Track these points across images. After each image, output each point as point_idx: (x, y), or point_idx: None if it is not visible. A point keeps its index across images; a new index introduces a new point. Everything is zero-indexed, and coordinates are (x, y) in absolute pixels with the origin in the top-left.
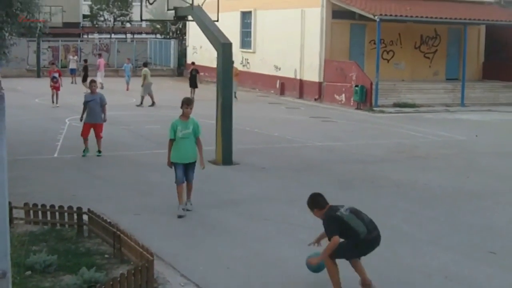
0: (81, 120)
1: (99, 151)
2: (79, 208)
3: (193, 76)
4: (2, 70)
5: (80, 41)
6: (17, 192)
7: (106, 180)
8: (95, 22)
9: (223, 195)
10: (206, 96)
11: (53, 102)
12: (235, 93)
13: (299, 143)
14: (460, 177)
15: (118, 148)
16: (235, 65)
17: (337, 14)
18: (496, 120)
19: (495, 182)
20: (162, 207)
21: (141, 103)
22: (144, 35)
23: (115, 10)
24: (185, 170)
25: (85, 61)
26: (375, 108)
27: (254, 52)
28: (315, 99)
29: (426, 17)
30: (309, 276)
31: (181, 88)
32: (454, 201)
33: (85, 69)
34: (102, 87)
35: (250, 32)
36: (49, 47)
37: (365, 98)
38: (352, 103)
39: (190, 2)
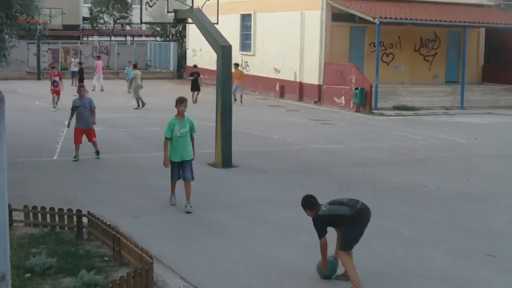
0: (68, 126)
1: (97, 152)
2: (78, 211)
3: (195, 79)
4: (2, 72)
5: (80, 43)
6: (16, 195)
7: (106, 183)
8: (95, 25)
9: (223, 198)
10: (206, 98)
11: (54, 106)
12: (241, 96)
13: (298, 145)
14: (459, 180)
15: (118, 150)
16: (239, 68)
17: (337, 16)
18: (496, 123)
19: (494, 185)
20: (162, 209)
21: (138, 105)
22: (144, 38)
23: (115, 12)
24: (182, 168)
25: (80, 63)
26: (374, 111)
27: (254, 55)
28: (315, 102)
29: (426, 20)
30: (309, 278)
31: (181, 91)
32: (453, 203)
33: (81, 71)
34: (102, 89)
35: (250, 34)
36: (49, 49)
37: (364, 101)
38: (351, 106)
39: (190, 4)
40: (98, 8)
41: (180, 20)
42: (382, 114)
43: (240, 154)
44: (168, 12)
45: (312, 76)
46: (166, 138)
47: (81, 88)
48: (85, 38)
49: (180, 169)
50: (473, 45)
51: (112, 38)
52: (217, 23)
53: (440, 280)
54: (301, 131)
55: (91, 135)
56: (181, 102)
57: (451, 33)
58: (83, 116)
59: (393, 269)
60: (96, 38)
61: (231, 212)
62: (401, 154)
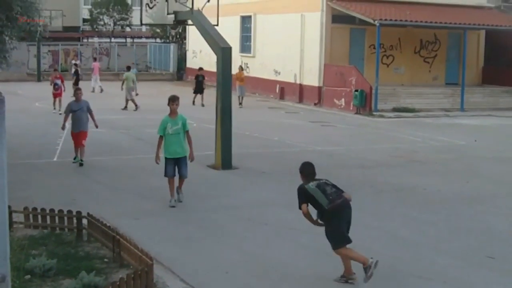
0: (63, 128)
1: (82, 160)
2: (78, 212)
3: (200, 81)
4: (2, 74)
5: (80, 45)
6: (16, 196)
7: (106, 184)
8: (95, 26)
9: (223, 199)
10: (206, 100)
11: (54, 108)
12: (242, 98)
13: (298, 147)
14: (459, 181)
15: (118, 152)
16: (252, 71)
17: (337, 18)
18: (496, 125)
19: (494, 187)
20: (162, 211)
21: (136, 105)
22: (144, 39)
23: (115, 14)
24: (177, 165)
25: (76, 65)
26: (374, 113)
27: (254, 57)
28: (315, 104)
29: (426, 21)
30: (309, 279)
31: (181, 92)
32: (453, 205)
33: (76, 73)
34: (101, 91)
35: (250, 36)
36: (49, 51)
37: (364, 103)
38: (351, 108)
39: (190, 6)
40: (98, 10)
41: (180, 22)
42: (382, 116)
43: (240, 156)
44: (168, 13)
45: (312, 78)
46: (160, 136)
47: (77, 91)
48: (85, 40)
49: (175, 166)
50: (473, 47)
51: (112, 39)
52: (217, 25)
53: (440, 281)
54: (301, 133)
55: (82, 136)
56: (173, 100)
57: (451, 35)
58: (80, 119)
59: (393, 271)
60: (96, 39)
61: (231, 214)
62: (401, 156)
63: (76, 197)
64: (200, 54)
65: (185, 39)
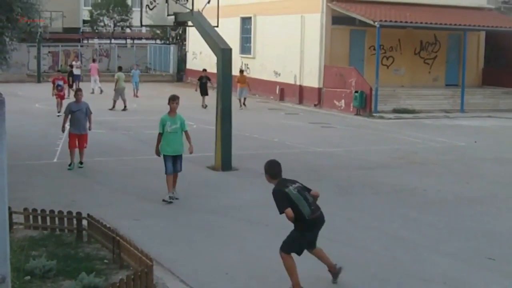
0: (63, 130)
1: (81, 162)
2: (78, 213)
3: (204, 83)
4: (2, 75)
5: (80, 46)
6: (16, 197)
7: (106, 185)
8: (95, 28)
9: (223, 201)
10: (207, 101)
11: (59, 111)
12: (244, 99)
13: (298, 149)
14: (459, 183)
15: (118, 153)
16: (252, 72)
17: (337, 20)
18: (496, 126)
19: (494, 188)
20: (162, 212)
21: (113, 106)
22: (144, 41)
23: (115, 15)
24: (173, 162)
25: (71, 66)
26: (374, 114)
27: (254, 58)
28: (315, 105)
29: (426, 23)
30: (309, 280)
31: (181, 93)
32: (453, 207)
33: (71, 74)
34: (101, 92)
35: (250, 37)
36: (49, 52)
37: (364, 104)
38: (351, 109)
39: (190, 7)
40: (99, 11)
41: (180, 23)
42: (382, 117)
43: (240, 157)
44: (168, 15)
45: (312, 79)
46: (159, 133)
47: (78, 92)
48: (85, 41)
49: (172, 163)
50: (473, 48)
51: (113, 41)
52: (217, 26)
53: (440, 283)
54: (301, 134)
55: (83, 140)
56: (173, 99)
57: (451, 36)
58: (79, 121)
59: (393, 272)
60: (96, 41)
61: (231, 215)
62: (401, 157)
63: (76, 198)
64: (200, 56)
65: (185, 40)
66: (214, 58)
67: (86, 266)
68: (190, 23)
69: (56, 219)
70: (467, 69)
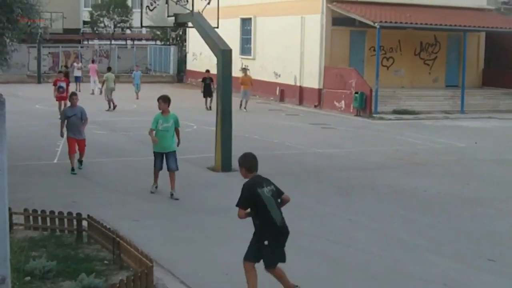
0: (62, 135)
1: (81, 162)
2: (78, 214)
3: (207, 84)
4: (3, 75)
5: (81, 47)
6: (17, 198)
7: (106, 186)
8: (95, 28)
9: (223, 202)
10: (210, 103)
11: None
12: (246, 102)
13: (298, 149)
14: (459, 184)
15: (118, 154)
16: (249, 73)
17: (337, 21)
18: (496, 127)
19: (494, 189)
20: (162, 213)
21: (109, 107)
22: (144, 42)
23: (115, 16)
24: (166, 160)
25: (66, 67)
26: (374, 115)
27: (254, 59)
28: (315, 106)
29: (426, 24)
30: (308, 282)
31: (181, 94)
32: (453, 208)
33: (66, 75)
34: (101, 93)
35: (250, 38)
36: (49, 53)
37: (364, 105)
38: (351, 110)
39: (190, 8)
40: (99, 12)
41: (181, 24)
42: (382, 118)
43: None
44: (168, 16)
45: (312, 80)
46: (151, 129)
47: (73, 96)
48: (85, 42)
49: (162, 160)
50: (473, 49)
51: (113, 42)
52: (217, 27)
53: (441, 284)
54: (301, 135)
55: (82, 145)
56: (163, 100)
57: (451, 37)
58: (75, 126)
59: (393, 274)
60: (96, 42)
61: (231, 216)
62: (401, 158)
63: (76, 199)
64: (200, 57)
65: (185, 41)
66: (214, 59)
67: (86, 267)
68: (190, 24)
69: (56, 220)
70: (467, 70)
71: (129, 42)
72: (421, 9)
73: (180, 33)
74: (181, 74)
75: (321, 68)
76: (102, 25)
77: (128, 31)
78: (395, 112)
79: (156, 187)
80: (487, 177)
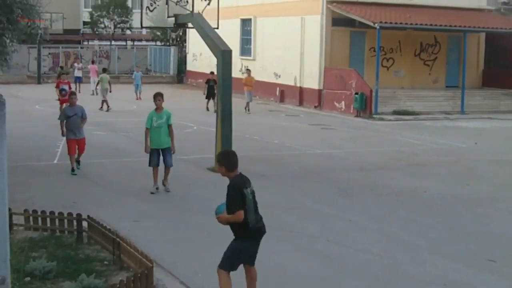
0: (63, 135)
1: (78, 162)
2: (78, 215)
3: (211, 86)
4: (3, 76)
5: (81, 47)
6: (17, 198)
7: (106, 187)
8: (95, 29)
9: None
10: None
11: None
12: (248, 103)
13: (298, 150)
14: (459, 184)
15: (118, 154)
16: (252, 74)
17: (337, 21)
18: (496, 127)
19: (494, 190)
20: (162, 214)
21: (107, 106)
22: (144, 42)
23: (115, 17)
24: (162, 155)
25: (61, 67)
26: (374, 116)
27: (254, 60)
28: (315, 107)
29: (426, 24)
30: (308, 283)
31: (181, 96)
32: (453, 208)
33: (59, 76)
34: (96, 94)
35: (250, 39)
36: (49, 53)
37: (364, 106)
38: (351, 111)
39: (190, 9)
40: (99, 13)
41: (181, 25)
42: (382, 119)
43: (240, 159)
44: (168, 16)
45: (312, 81)
46: (146, 128)
47: (72, 96)
48: (85, 43)
49: (159, 156)
50: (473, 49)
51: (113, 42)
52: (217, 28)
53: (441, 285)
54: (301, 136)
55: (82, 144)
56: (156, 97)
57: (451, 38)
58: (75, 126)
59: (393, 274)
60: (96, 42)
61: None
62: (401, 158)
63: (76, 200)
64: (200, 57)
65: (185, 42)
66: (214, 60)
67: (86, 268)
68: (190, 24)
69: (56, 220)
70: (467, 71)
71: (129, 42)
72: (421, 10)
73: (180, 33)
74: (181, 75)
75: (321, 69)
76: (102, 25)
77: (128, 32)
78: (395, 112)
79: (157, 188)
80: (487, 178)
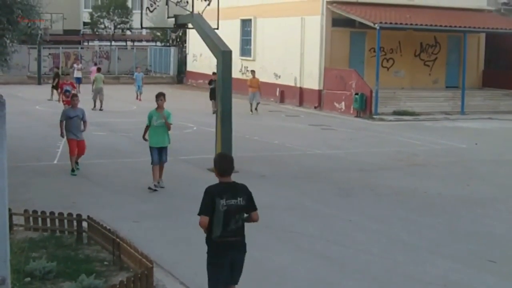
0: (62, 136)
1: (77, 163)
2: (78, 215)
3: (214, 87)
4: (3, 76)
5: (81, 48)
6: (17, 199)
7: (106, 187)
8: (95, 30)
9: None
10: (207, 103)
11: None
12: (257, 104)
13: (298, 151)
14: (459, 185)
15: (118, 155)
16: (257, 76)
17: (337, 22)
18: (496, 128)
19: (494, 190)
20: (162, 214)
21: (94, 106)
22: (144, 43)
23: (115, 17)
24: (159, 153)
25: (57, 68)
26: (374, 116)
27: (254, 60)
28: (315, 107)
29: (426, 25)
30: (309, 283)
31: (181, 96)
32: (453, 209)
33: (57, 76)
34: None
35: (250, 40)
36: (49, 54)
37: (365, 106)
38: (352, 111)
39: (190, 10)
40: (99, 13)
41: (181, 25)
42: (382, 119)
43: (240, 159)
44: (168, 17)
45: (312, 81)
46: (146, 126)
47: (74, 98)
48: (85, 43)
49: (159, 155)
50: (473, 50)
51: (113, 43)
52: (217, 28)
53: (441, 285)
54: (301, 136)
55: (82, 146)
56: (158, 96)
57: (451, 38)
58: (76, 127)
59: (393, 275)
60: (96, 43)
61: None
62: (401, 159)
63: (76, 200)
64: (200, 58)
65: (185, 42)
66: (214, 61)
67: (86, 268)
68: (190, 25)
69: (56, 220)
70: (467, 71)
71: (129, 43)
72: (421, 10)
73: (180, 34)
74: (181, 76)
75: (321, 69)
76: (102, 26)
77: (128, 32)
78: (395, 113)
79: (159, 182)
80: (487, 178)
